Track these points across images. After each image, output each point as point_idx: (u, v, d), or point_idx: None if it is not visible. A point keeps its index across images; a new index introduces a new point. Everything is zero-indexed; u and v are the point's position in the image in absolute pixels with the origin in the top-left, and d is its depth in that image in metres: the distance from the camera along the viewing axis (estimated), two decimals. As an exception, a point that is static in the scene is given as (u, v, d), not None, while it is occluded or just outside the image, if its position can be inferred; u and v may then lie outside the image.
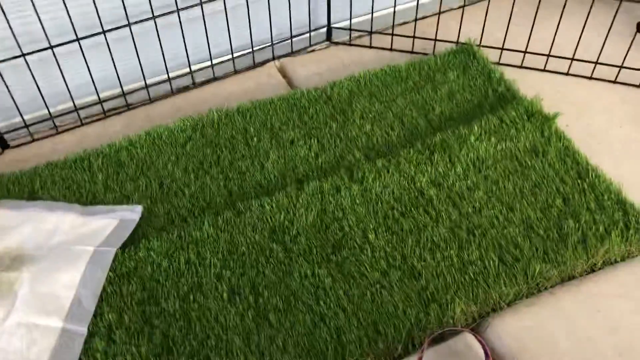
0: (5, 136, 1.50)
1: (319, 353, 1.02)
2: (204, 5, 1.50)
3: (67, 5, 1.35)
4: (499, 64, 1.63)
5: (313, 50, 1.76)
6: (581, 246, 1.14)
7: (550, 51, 1.58)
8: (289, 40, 1.71)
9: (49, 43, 1.38)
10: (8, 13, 1.31)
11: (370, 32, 1.74)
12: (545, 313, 1.08)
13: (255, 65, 1.70)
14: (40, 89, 1.44)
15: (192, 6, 1.50)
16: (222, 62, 1.66)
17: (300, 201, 1.25)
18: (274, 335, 1.04)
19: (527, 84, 1.52)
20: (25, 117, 1.48)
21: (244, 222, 1.21)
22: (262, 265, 1.15)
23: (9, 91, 1.42)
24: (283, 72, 1.69)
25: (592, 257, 1.13)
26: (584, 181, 1.25)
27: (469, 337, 1.04)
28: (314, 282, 1.12)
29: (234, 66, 1.67)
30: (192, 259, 1.16)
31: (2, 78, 1.39)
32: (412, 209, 1.23)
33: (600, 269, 1.14)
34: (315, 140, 1.40)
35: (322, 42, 1.78)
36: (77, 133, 1.53)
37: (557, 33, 1.56)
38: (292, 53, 1.74)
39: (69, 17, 1.36)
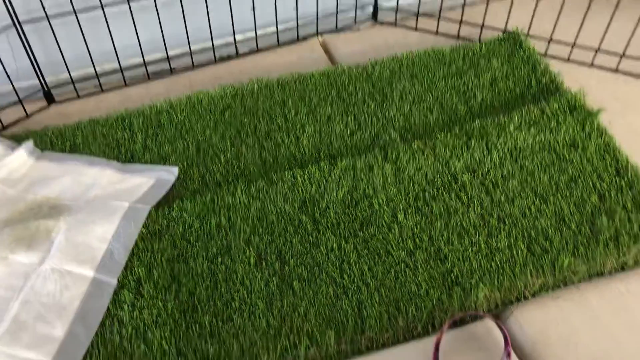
0: (53, 91, 1.54)
1: (339, 324, 1.03)
2: (252, -25, 1.51)
3: (120, -34, 1.38)
4: (545, 55, 1.60)
5: (358, 29, 1.76)
6: (613, 244, 1.12)
7: (599, 46, 1.55)
8: (334, 17, 1.71)
9: (100, 2, 1.41)
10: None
11: (417, 15, 1.73)
12: (569, 307, 1.07)
13: (298, 40, 1.70)
14: (89, 47, 1.48)
15: (241, -24, 1.51)
16: (266, 34, 1.67)
17: (332, 176, 1.26)
18: (297, 303, 1.06)
19: (573, 78, 1.49)
20: (73, 74, 1.52)
21: (276, 192, 1.23)
22: (290, 234, 1.16)
23: (59, 47, 1.45)
24: (326, 48, 1.70)
25: (623, 255, 1.11)
26: (622, 179, 1.23)
27: (489, 323, 1.04)
28: (339, 255, 1.13)
29: (278, 39, 1.68)
30: (222, 223, 1.18)
31: (54, 33, 1.43)
32: (444, 192, 1.23)
33: (630, 268, 1.12)
34: (352, 118, 1.41)
35: (368, 20, 1.78)
36: (120, 93, 1.56)
37: (609, 28, 1.52)
38: (336, 30, 1.74)
39: (121, -22, 1.39)
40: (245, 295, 1.08)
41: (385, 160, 1.29)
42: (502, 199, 1.21)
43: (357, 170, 1.27)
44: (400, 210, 1.19)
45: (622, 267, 1.12)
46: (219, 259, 1.13)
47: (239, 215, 1.19)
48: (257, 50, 1.68)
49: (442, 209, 1.19)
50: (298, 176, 1.25)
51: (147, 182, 1.26)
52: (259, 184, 1.24)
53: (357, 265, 1.11)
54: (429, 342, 1.02)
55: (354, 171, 1.26)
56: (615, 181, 1.23)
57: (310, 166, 1.28)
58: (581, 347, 1.01)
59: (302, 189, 1.23)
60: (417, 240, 1.15)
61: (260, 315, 1.05)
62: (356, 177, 1.26)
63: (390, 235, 1.16)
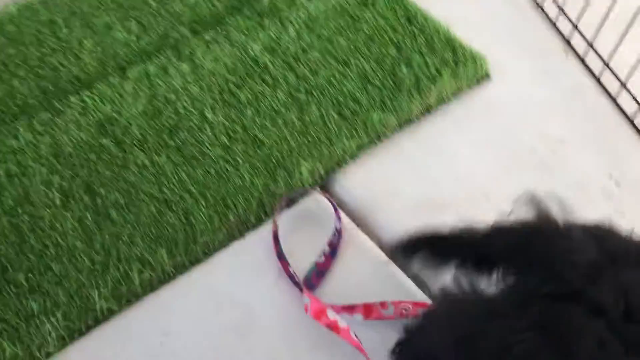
0: None
1: (170, 239, 0.98)
2: None
3: None
4: None
5: None
6: (415, 90, 1.16)
7: None
8: None
9: None
10: None
11: None
12: (387, 159, 1.10)
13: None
14: None
15: None
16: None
17: (126, 89, 1.14)
18: (119, 232, 0.98)
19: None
20: None
21: (65, 121, 1.10)
22: (94, 163, 1.06)
23: None
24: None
25: (426, 98, 1.16)
26: (413, 26, 1.25)
27: (318, 196, 1.05)
28: (153, 170, 1.05)
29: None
30: (12, 171, 1.04)
31: None
32: (248, 79, 1.17)
33: (434, 109, 1.17)
34: (134, 22, 1.27)
35: None
36: None
37: None
38: None
39: None
40: (60, 240, 0.97)
41: (180, 59, 1.19)
42: (307, 72, 1.18)
43: (152, 77, 1.16)
44: (207, 108, 1.13)
45: (428, 110, 1.17)
46: (19, 210, 1.00)
47: (29, 156, 1.05)
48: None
49: (250, 96, 1.14)
50: (87, 98, 1.12)
51: None
52: (43, 117, 1.10)
53: (175, 175, 1.05)
54: (265, 230, 1.01)
55: (148, 78, 1.16)
56: (408, 30, 1.25)
57: (98, 84, 1.15)
58: (404, 193, 1.06)
59: (95, 111, 1.11)
60: (230, 133, 1.10)
61: (81, 255, 0.96)
62: (152, 84, 1.16)
63: (202, 135, 1.09)
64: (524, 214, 0.68)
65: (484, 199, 1.04)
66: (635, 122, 1.14)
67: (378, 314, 0.89)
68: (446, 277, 0.72)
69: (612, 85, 1.18)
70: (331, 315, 0.86)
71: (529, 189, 0.72)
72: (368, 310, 0.90)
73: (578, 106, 1.18)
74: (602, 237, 0.61)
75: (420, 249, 0.80)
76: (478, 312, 0.62)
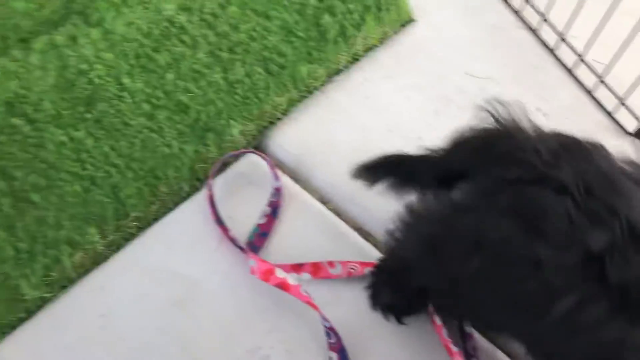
0: None
1: (99, 218, 0.92)
2: None
3: None
4: None
5: None
6: (341, 38, 1.13)
7: None
8: None
9: None
10: None
11: None
12: (320, 112, 1.08)
13: None
14: None
15: None
16: None
17: (32, 62, 1.05)
18: (43, 216, 0.92)
19: None
20: None
21: (-32, 103, 1.01)
22: (6, 145, 0.97)
23: None
24: None
25: (352, 46, 1.13)
26: (332, -27, 1.21)
27: (252, 157, 1.01)
28: (73, 147, 0.99)
29: None
30: None
31: None
32: (165, 41, 1.10)
33: (362, 56, 1.15)
34: (33, -11, 1.17)
35: None
36: None
37: None
38: None
39: None
40: (-23, 231, 0.90)
41: (89, 25, 1.11)
42: (227, 28, 1.13)
43: (60, 47, 1.08)
44: (124, 75, 1.06)
45: (356, 59, 1.15)
46: None
47: None
48: None
49: (169, 59, 1.08)
50: (-11, 76, 1.03)
51: None
52: (-59, 100, 1.00)
53: (98, 150, 0.98)
54: (200, 198, 0.97)
55: (56, 49, 1.07)
56: (328, -23, 1.21)
57: (0, 60, 1.05)
58: (340, 145, 1.04)
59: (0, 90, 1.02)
60: (152, 100, 1.04)
61: (4, 245, 0.89)
62: (61, 55, 1.07)
63: (122, 105, 1.03)
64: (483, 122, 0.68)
65: (419, 143, 1.04)
66: (556, 53, 1.16)
67: (326, 273, 0.88)
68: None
69: (533, 19, 1.19)
70: (280, 273, 0.84)
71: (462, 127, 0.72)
72: (316, 269, 0.89)
73: (502, 42, 1.18)
74: (555, 134, 0.65)
75: (384, 171, 0.79)
76: (448, 212, 0.62)
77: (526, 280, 0.57)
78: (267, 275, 0.84)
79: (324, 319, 0.82)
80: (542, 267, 0.56)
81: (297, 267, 0.89)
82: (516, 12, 1.21)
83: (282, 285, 0.84)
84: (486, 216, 0.59)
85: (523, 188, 0.58)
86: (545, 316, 0.57)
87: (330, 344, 0.82)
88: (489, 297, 0.63)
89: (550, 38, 1.16)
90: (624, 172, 0.59)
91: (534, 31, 1.19)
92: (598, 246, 0.54)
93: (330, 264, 0.89)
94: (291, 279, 0.84)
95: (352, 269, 0.88)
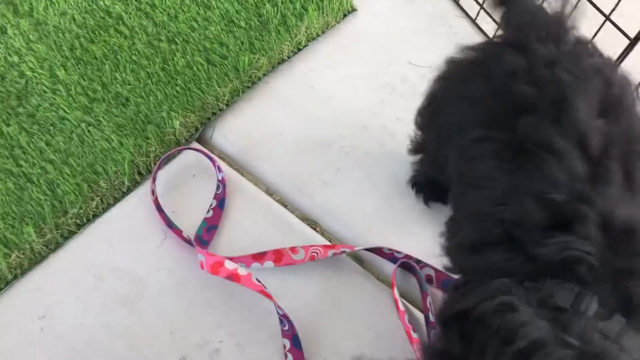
0: None
1: (35, 216, 0.88)
2: None
3: None
4: None
5: None
6: (283, 28, 1.12)
7: None
8: None
9: None
10: None
11: None
12: (263, 102, 1.07)
13: None
14: None
15: None
16: None
17: (-42, 55, 1.00)
18: (-26, 215, 0.88)
19: None
20: None
21: None
22: None
23: None
24: None
25: (295, 36, 1.12)
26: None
27: (195, 149, 0.99)
28: (5, 143, 0.94)
29: None
30: None
31: None
32: (101, 32, 1.07)
33: (305, 46, 1.14)
34: (-44, -23, 1.11)
35: None
36: None
37: None
38: None
39: None
40: None
41: (18, 15, 1.06)
42: (165, 18, 1.10)
43: (-12, 39, 1.03)
44: (58, 67, 1.02)
45: (299, 48, 1.14)
46: None
47: None
48: None
49: (106, 50, 1.05)
50: None
51: None
52: None
53: (32, 145, 0.94)
54: (142, 192, 0.94)
55: (-17, 41, 1.02)
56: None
57: None
58: (285, 134, 1.03)
59: None
60: (89, 92, 1.00)
61: None
62: (-11, 46, 1.02)
63: (57, 98, 0.99)
64: None
65: (363, 131, 1.04)
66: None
67: (289, 259, 0.88)
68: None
69: (472, 8, 1.21)
70: (229, 265, 0.83)
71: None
72: (279, 256, 0.88)
73: (442, 31, 1.20)
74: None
75: None
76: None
77: None
78: (216, 267, 0.82)
79: (277, 306, 0.81)
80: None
81: (259, 257, 0.87)
82: (455, 1, 1.23)
83: (233, 277, 0.82)
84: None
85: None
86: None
87: (283, 331, 0.82)
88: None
89: (489, 27, 1.19)
90: None
91: (472, 20, 1.21)
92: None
93: (293, 249, 0.88)
94: (241, 268, 0.83)
95: (316, 253, 0.88)
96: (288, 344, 0.81)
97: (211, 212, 0.92)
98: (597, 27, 0.99)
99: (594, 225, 0.53)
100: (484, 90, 0.65)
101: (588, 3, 1.00)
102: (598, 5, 1.01)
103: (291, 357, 0.80)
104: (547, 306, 0.49)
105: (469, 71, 0.70)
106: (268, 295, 0.82)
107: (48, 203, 0.89)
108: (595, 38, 0.91)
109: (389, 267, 0.90)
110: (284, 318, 0.81)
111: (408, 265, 0.89)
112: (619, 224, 0.53)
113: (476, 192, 0.62)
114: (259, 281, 0.83)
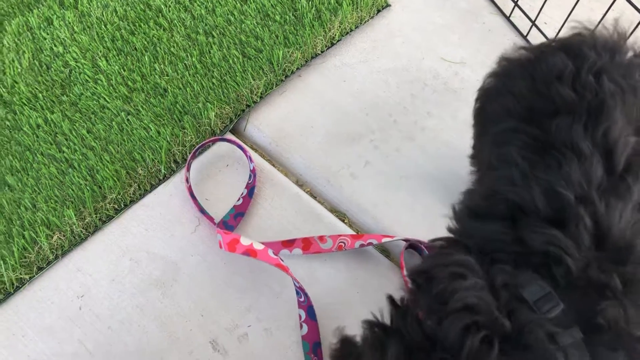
0: None
1: (76, 199, 0.92)
2: None
3: None
4: None
5: None
6: (317, 23, 1.14)
7: None
8: None
9: None
10: None
11: None
12: (296, 96, 1.09)
13: None
14: None
15: None
16: None
17: (7, 44, 1.05)
18: (19, 197, 0.92)
19: None
20: None
21: (-60, 85, 1.00)
22: (-20, 127, 0.97)
23: None
24: None
25: (329, 30, 1.14)
26: (309, -42, 1.22)
27: (225, 143, 1.02)
28: (49, 129, 0.99)
29: None
30: None
31: None
32: (142, 24, 1.11)
33: (338, 41, 1.16)
34: (6, -30, 1.16)
35: None
36: None
37: None
38: None
39: None
40: (-48, 213, 0.90)
41: (64, 7, 1.10)
42: (203, 12, 1.13)
43: (35, 29, 1.07)
44: (100, 58, 1.06)
45: (332, 43, 1.16)
46: None
47: None
48: None
49: (146, 42, 1.08)
50: (-38, 57, 1.02)
51: None
52: None
53: (74, 132, 0.98)
54: (177, 180, 0.98)
55: (30, 31, 1.07)
56: (304, -38, 1.21)
57: (-27, 42, 1.04)
58: (316, 127, 1.05)
59: (-27, 71, 1.02)
60: (129, 82, 1.04)
61: (-20, 227, 0.89)
62: (36, 37, 1.07)
63: (98, 87, 1.03)
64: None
65: (393, 125, 1.06)
66: (528, 39, 1.18)
67: (317, 248, 0.90)
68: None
69: (506, 5, 1.21)
70: (244, 241, 0.85)
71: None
72: (307, 244, 0.90)
73: (475, 27, 1.20)
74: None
75: None
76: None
77: None
78: (233, 245, 0.84)
79: (294, 279, 0.84)
80: None
81: (287, 244, 0.90)
82: (490, -2, 1.23)
83: (250, 252, 0.84)
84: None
85: None
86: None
87: (300, 302, 0.85)
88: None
89: (523, 24, 1.19)
90: None
91: (506, 17, 1.21)
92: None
93: (321, 238, 0.90)
94: (257, 243, 0.85)
95: (343, 242, 0.90)
96: (304, 315, 0.84)
97: (241, 200, 0.95)
98: None
99: (586, 230, 0.53)
100: (528, 88, 0.67)
101: None
102: None
103: (306, 327, 0.83)
104: (511, 293, 0.51)
105: (519, 69, 0.72)
106: (285, 268, 0.84)
107: (88, 188, 0.93)
108: None
109: (414, 260, 0.92)
110: (300, 290, 0.84)
111: (416, 246, 0.91)
112: (612, 238, 0.53)
113: (494, 172, 0.63)
114: (275, 254, 0.85)
